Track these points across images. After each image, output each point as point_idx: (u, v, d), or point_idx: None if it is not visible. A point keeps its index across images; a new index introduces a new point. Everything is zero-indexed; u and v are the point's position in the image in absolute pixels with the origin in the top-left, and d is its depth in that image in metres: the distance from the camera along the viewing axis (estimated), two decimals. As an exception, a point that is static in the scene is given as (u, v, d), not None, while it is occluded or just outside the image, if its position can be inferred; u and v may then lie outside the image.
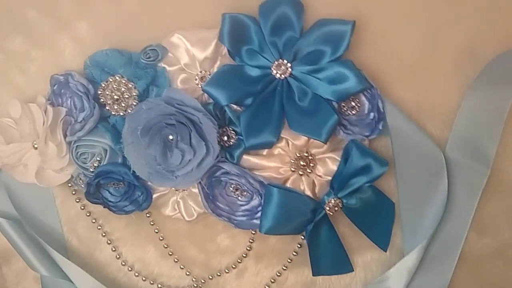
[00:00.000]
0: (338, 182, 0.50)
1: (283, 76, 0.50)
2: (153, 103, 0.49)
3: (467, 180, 0.53)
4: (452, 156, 0.53)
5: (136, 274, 0.59)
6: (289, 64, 0.50)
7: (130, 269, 0.59)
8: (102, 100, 0.52)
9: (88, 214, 0.58)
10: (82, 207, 0.58)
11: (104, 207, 0.56)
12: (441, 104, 0.53)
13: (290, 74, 0.50)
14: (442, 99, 0.53)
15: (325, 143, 0.49)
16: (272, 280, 0.56)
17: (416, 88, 0.53)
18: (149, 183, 0.54)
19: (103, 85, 0.52)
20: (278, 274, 0.56)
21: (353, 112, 0.51)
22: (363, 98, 0.51)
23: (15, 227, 0.58)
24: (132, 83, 0.51)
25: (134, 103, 0.51)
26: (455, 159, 0.53)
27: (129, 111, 0.52)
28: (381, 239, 0.54)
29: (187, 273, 0.58)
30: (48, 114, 0.52)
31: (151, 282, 0.59)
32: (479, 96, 0.51)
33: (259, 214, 0.53)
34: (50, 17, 0.54)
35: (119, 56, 0.52)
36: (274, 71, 0.50)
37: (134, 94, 0.51)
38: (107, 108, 0.52)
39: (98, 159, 0.53)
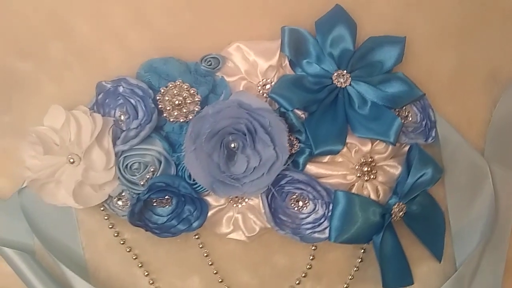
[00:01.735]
0: (402, 187, 0.50)
1: (344, 84, 0.50)
2: (221, 105, 0.47)
3: (505, 189, 0.55)
4: (490, 164, 0.55)
5: (177, 310, 0.50)
6: (348, 74, 0.51)
7: (170, 304, 0.50)
8: (160, 106, 0.48)
9: (122, 242, 0.50)
10: (116, 234, 0.50)
11: (146, 231, 0.49)
12: (475, 118, 0.56)
13: (350, 83, 0.51)
14: (475, 114, 0.56)
15: (395, 145, 0.49)
16: (334, 302, 0.51)
17: (452, 104, 0.56)
18: (206, 198, 0.49)
19: (162, 90, 0.48)
20: (340, 294, 0.51)
21: (406, 121, 0.52)
22: (415, 109, 0.53)
23: (26, 259, 0.48)
24: (194, 89, 0.48)
25: (197, 109, 0.48)
26: (492, 168, 0.55)
27: (190, 117, 0.48)
28: (436, 249, 0.53)
29: (239, 303, 0.51)
30: (96, 121, 0.47)
31: None
32: (504, 112, 0.56)
33: (322, 227, 0.50)
34: (97, 25, 0.50)
35: (177, 63, 0.50)
36: (335, 80, 0.50)
37: (196, 99, 0.48)
38: (164, 115, 0.48)
39: (152, 170, 0.47)
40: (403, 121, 0.52)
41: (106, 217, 0.50)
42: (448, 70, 0.55)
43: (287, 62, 0.51)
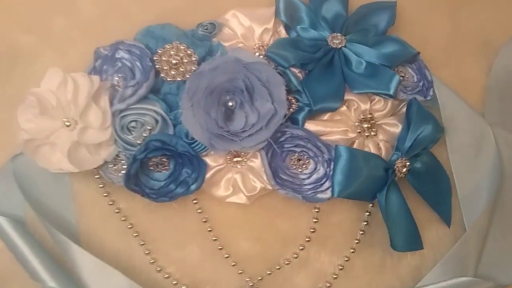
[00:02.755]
0: (403, 144, 0.49)
1: (339, 45, 0.51)
2: (219, 61, 0.47)
3: (508, 152, 0.54)
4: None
5: (175, 282, 0.48)
6: (343, 37, 0.51)
7: (167, 275, 0.48)
8: (157, 66, 0.48)
9: (117, 211, 0.48)
10: (111, 203, 0.48)
11: (142, 196, 0.47)
12: (472, 83, 0.56)
13: (345, 45, 0.51)
14: (472, 79, 0.56)
15: (394, 96, 0.48)
16: (340, 267, 0.48)
17: (446, 69, 0.56)
18: (204, 158, 0.47)
19: (160, 51, 0.48)
20: (346, 259, 0.49)
21: (403, 82, 0.52)
22: (410, 70, 0.53)
23: (18, 228, 0.46)
24: (192, 50, 0.48)
25: (194, 68, 0.48)
26: (493, 131, 0.54)
27: (187, 76, 0.48)
28: (444, 212, 0.51)
29: (240, 271, 0.48)
30: (94, 81, 0.46)
31: None
32: (500, 74, 0.55)
33: (324, 187, 0.48)
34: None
35: (175, 28, 0.50)
36: (330, 42, 0.51)
37: (193, 59, 0.48)
38: (162, 75, 0.48)
39: (149, 128, 0.46)
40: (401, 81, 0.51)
41: (101, 185, 0.48)
42: (442, 37, 0.56)
43: (282, 28, 0.51)
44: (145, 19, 0.50)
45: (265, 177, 0.47)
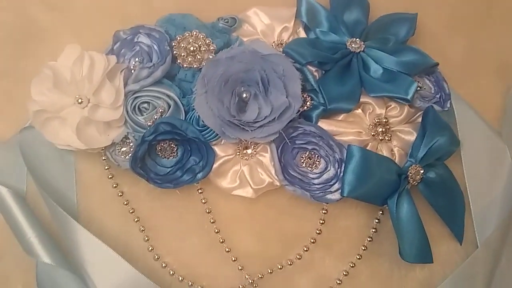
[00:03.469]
0: (417, 151, 0.47)
1: (358, 50, 0.50)
2: (236, 50, 0.46)
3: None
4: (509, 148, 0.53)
5: (171, 272, 0.46)
6: (362, 42, 0.51)
7: (164, 265, 0.46)
8: (175, 52, 0.48)
9: (120, 194, 0.47)
10: (115, 185, 0.47)
11: (146, 180, 0.46)
12: (487, 102, 0.55)
13: (363, 50, 0.51)
14: (487, 98, 0.55)
15: (411, 101, 0.47)
16: (345, 273, 0.46)
17: (464, 87, 0.55)
18: (214, 147, 0.46)
19: (179, 38, 0.48)
20: (352, 265, 0.46)
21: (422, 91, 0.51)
22: (428, 82, 0.52)
23: (18, 200, 0.45)
24: (210, 39, 0.48)
25: (211, 57, 0.48)
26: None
27: (204, 64, 0.47)
28: (456, 228, 0.49)
29: (240, 267, 0.46)
30: (110, 60, 0.46)
31: (190, 283, 0.45)
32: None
33: (334, 188, 0.47)
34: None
35: (195, 19, 0.50)
36: (349, 45, 0.50)
37: (211, 48, 0.48)
38: (178, 61, 0.48)
39: (160, 111, 0.46)
40: (418, 90, 0.50)
41: (107, 167, 0.47)
42: (459, 55, 0.55)
43: (301, 29, 0.52)
44: (165, 7, 0.50)
45: (273, 172, 0.46)
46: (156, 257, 0.45)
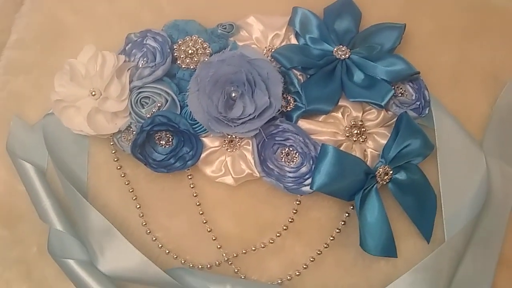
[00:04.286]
0: (388, 152, 0.51)
1: (343, 57, 0.54)
2: (227, 54, 0.52)
3: (501, 180, 0.54)
4: (486, 157, 0.55)
5: (160, 245, 0.52)
6: (348, 49, 0.55)
7: (154, 238, 0.52)
8: (176, 54, 0.54)
9: (122, 175, 0.54)
10: (119, 167, 0.54)
11: (145, 165, 0.53)
12: (473, 110, 0.57)
13: (349, 57, 0.55)
14: (474, 107, 0.57)
15: (383, 107, 0.51)
16: (312, 259, 0.51)
17: (450, 95, 0.57)
18: (203, 139, 0.52)
19: (180, 41, 0.55)
20: (319, 253, 0.51)
21: (402, 98, 0.55)
22: (410, 89, 0.55)
23: (39, 175, 0.53)
24: (207, 44, 0.54)
25: (206, 59, 0.53)
26: (489, 160, 0.55)
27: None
28: (425, 228, 0.52)
29: (218, 246, 0.52)
30: (119, 59, 0.53)
31: (175, 256, 0.52)
32: (505, 106, 0.56)
33: (307, 182, 0.51)
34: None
35: (197, 25, 0.56)
36: (336, 52, 0.55)
37: (207, 52, 0.54)
38: (178, 62, 0.54)
39: (158, 105, 0.53)
40: (398, 96, 0.54)
41: (113, 151, 0.55)
42: (449, 65, 0.58)
43: (293, 36, 0.56)
44: (174, 14, 0.57)
45: (253, 164, 0.52)
46: (148, 231, 0.53)
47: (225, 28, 0.55)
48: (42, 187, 0.52)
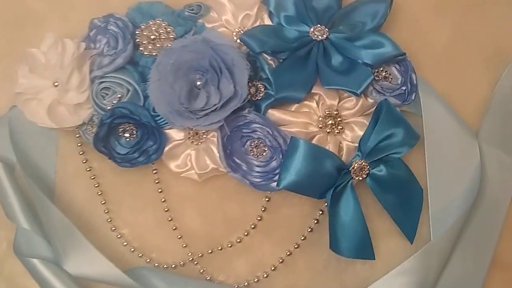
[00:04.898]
0: (366, 144, 0.45)
1: (320, 38, 0.48)
2: (189, 39, 0.47)
3: (499, 172, 0.47)
4: (483, 146, 0.48)
5: (125, 243, 0.49)
6: (326, 29, 0.48)
7: (119, 236, 0.49)
8: (138, 40, 0.50)
9: (88, 169, 0.51)
10: (84, 161, 0.51)
11: (109, 158, 0.49)
12: (471, 94, 0.50)
13: (327, 37, 0.48)
14: (472, 90, 0.50)
15: (359, 95, 0.45)
16: (281, 260, 0.46)
17: (446, 76, 0.51)
18: (168, 131, 0.48)
19: (143, 26, 0.50)
20: (288, 253, 0.47)
21: (385, 82, 0.48)
22: (396, 71, 0.49)
23: (7, 171, 0.50)
24: (171, 27, 0.49)
25: (169, 45, 0.49)
26: (486, 149, 0.48)
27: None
28: (408, 227, 0.47)
29: (184, 245, 0.48)
30: (79, 48, 0.49)
31: (140, 255, 0.49)
32: (508, 90, 0.49)
33: (277, 177, 0.46)
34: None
35: (163, 6, 0.51)
36: (312, 33, 0.49)
37: (171, 36, 0.49)
38: (141, 48, 0.50)
39: (119, 96, 0.48)
40: (381, 81, 0.48)
41: (79, 144, 0.52)
42: (444, 41, 0.52)
43: (266, 16, 0.51)
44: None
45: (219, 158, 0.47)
46: (113, 228, 0.50)
47: (192, 10, 0.50)
48: (9, 183, 0.50)
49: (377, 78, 0.48)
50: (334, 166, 0.44)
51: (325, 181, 0.45)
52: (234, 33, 0.50)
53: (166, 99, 0.46)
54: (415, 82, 0.48)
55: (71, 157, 0.52)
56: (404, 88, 0.48)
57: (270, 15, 0.50)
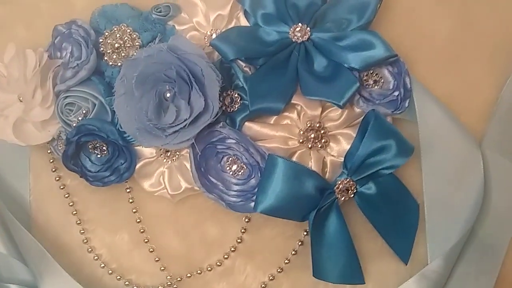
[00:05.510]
0: (352, 161, 0.40)
1: (300, 39, 0.42)
2: (154, 49, 0.42)
3: (506, 184, 0.41)
4: (488, 153, 0.42)
5: (102, 265, 0.46)
6: (308, 28, 0.42)
7: (96, 257, 0.46)
8: (102, 49, 0.44)
9: (62, 187, 0.47)
10: (57, 178, 0.47)
11: (80, 177, 0.45)
12: (475, 95, 0.44)
13: (309, 38, 0.42)
14: (477, 90, 0.44)
15: (342, 108, 0.39)
16: (263, 285, 0.42)
17: (447, 75, 0.44)
18: (135, 147, 0.44)
19: (106, 33, 0.45)
20: (271, 278, 0.43)
21: (376, 87, 0.42)
22: (388, 74, 0.42)
23: None
24: (137, 34, 0.44)
25: (134, 54, 0.43)
26: (492, 157, 0.42)
27: (128, 61, 0.43)
28: (401, 247, 0.42)
29: (162, 268, 0.44)
30: (41, 59, 0.44)
31: (118, 277, 0.45)
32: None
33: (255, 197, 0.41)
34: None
35: (129, 9, 0.46)
36: (292, 34, 0.42)
37: (136, 44, 0.44)
38: (105, 58, 0.44)
39: (84, 111, 0.44)
40: (371, 86, 0.42)
41: (51, 160, 0.48)
42: (445, 34, 0.45)
43: (242, 15, 0.45)
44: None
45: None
46: (90, 249, 0.47)
47: (160, 12, 0.45)
48: None
49: (366, 83, 0.42)
50: (317, 187, 0.40)
51: (307, 203, 0.40)
52: (206, 37, 0.44)
53: (133, 115, 0.42)
54: (409, 86, 0.42)
55: (44, 174, 0.49)
56: (396, 93, 0.42)
57: (246, 14, 0.44)
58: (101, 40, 0.45)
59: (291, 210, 0.40)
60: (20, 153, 0.49)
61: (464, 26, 0.44)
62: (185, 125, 0.41)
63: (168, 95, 0.42)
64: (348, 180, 0.40)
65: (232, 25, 0.45)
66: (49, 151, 0.48)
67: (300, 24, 0.43)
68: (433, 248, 0.42)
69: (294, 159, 0.42)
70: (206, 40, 0.45)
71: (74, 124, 0.45)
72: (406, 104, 0.42)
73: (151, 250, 0.45)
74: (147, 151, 0.45)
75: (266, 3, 0.44)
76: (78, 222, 0.48)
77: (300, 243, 0.43)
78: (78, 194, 0.48)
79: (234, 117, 0.43)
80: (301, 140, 0.42)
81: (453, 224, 0.42)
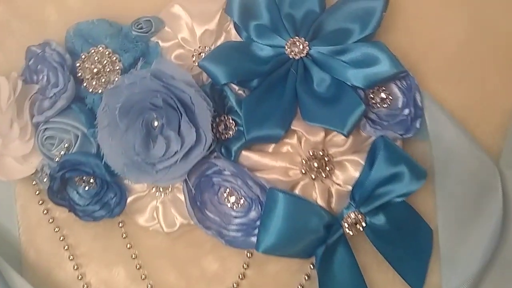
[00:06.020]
0: (360, 192, 0.36)
1: (298, 55, 0.37)
2: (136, 76, 0.37)
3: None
4: (507, 171, 0.37)
5: (100, 301, 0.42)
6: (306, 42, 0.37)
7: (92, 293, 0.43)
8: (80, 74, 0.40)
9: (50, 221, 0.44)
10: (45, 211, 0.44)
11: (69, 211, 0.41)
12: (492, 106, 0.39)
13: (307, 54, 0.37)
14: (493, 100, 0.39)
15: (347, 136, 0.35)
16: (270, 325, 0.39)
17: (460, 85, 0.40)
18: (125, 180, 0.39)
19: (84, 56, 0.40)
20: (277, 315, 0.39)
21: (384, 105, 0.37)
22: (396, 89, 0.38)
23: None
24: (117, 55, 0.39)
25: (117, 79, 0.38)
26: (510, 176, 0.37)
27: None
28: (414, 277, 0.39)
29: (162, 305, 0.41)
30: (16, 88, 0.39)
31: None
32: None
33: (256, 231, 0.37)
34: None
35: (107, 26, 0.41)
36: (288, 50, 0.37)
37: (117, 68, 0.39)
38: (84, 84, 0.39)
39: (66, 145, 0.39)
40: (378, 105, 0.37)
41: (37, 192, 0.45)
42: (457, 40, 0.40)
43: (232, 28, 0.40)
44: (83, 9, 0.42)
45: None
46: (85, 286, 0.44)
47: (140, 28, 0.40)
48: None
49: (372, 102, 0.37)
50: (323, 223, 0.36)
51: (313, 240, 0.37)
52: (194, 56, 0.40)
53: (119, 149, 0.38)
54: (419, 104, 0.37)
55: (32, 207, 0.46)
56: (406, 112, 0.37)
57: (236, 26, 0.39)
58: (78, 65, 0.41)
59: (295, 248, 0.37)
60: (4, 186, 0.45)
61: (477, 30, 0.39)
62: (177, 160, 0.37)
63: (156, 123, 0.38)
64: (356, 212, 0.36)
65: (222, 40, 0.40)
66: (34, 183, 0.45)
67: (297, 37, 0.38)
68: (448, 276, 0.39)
69: (296, 191, 0.38)
70: (194, 59, 0.40)
71: (57, 159, 0.41)
72: (417, 125, 0.37)
73: (150, 286, 0.42)
74: (137, 186, 0.41)
75: (258, 13, 0.39)
76: (71, 257, 0.45)
77: (306, 277, 0.40)
78: (68, 227, 0.45)
79: (229, 147, 0.39)
80: (303, 171, 0.37)
81: (470, 250, 0.38)
